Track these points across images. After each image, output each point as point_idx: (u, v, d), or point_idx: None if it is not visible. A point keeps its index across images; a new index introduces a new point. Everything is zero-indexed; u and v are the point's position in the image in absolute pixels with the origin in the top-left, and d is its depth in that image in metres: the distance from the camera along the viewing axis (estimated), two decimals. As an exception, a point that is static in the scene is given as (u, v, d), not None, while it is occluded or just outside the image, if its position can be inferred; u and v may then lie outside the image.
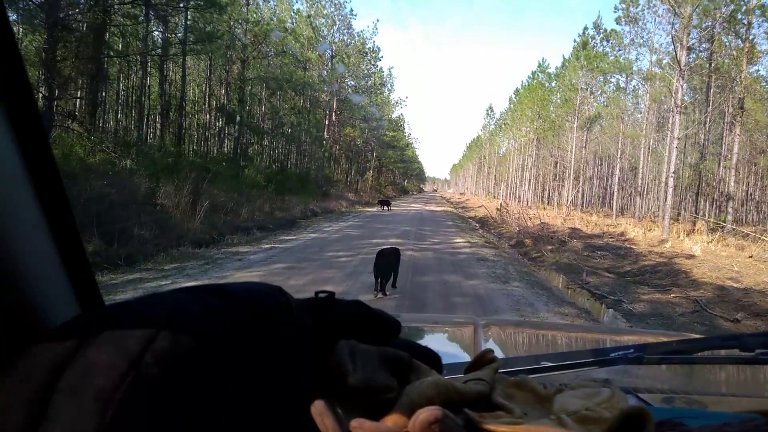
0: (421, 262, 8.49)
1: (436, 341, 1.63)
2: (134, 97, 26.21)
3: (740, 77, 18.36)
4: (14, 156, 0.50)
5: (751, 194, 33.28)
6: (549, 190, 46.06)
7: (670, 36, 17.84)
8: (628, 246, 13.95)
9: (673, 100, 17.93)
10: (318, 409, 0.43)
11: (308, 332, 0.50)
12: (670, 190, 17.29)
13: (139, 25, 14.68)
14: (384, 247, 6.51)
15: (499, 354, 0.83)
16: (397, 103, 45.15)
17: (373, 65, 35.78)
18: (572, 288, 8.63)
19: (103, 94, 22.91)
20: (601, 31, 32.20)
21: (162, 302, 0.44)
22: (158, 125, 24.62)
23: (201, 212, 10.44)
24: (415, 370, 0.55)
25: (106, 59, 15.82)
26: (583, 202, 37.54)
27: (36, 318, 0.52)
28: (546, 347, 1.75)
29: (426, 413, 0.42)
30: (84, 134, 12.62)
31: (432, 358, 0.61)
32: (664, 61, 25.80)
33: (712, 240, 15.85)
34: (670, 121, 24.36)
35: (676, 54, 17.04)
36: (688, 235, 17.99)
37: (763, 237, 16.28)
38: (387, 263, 5.95)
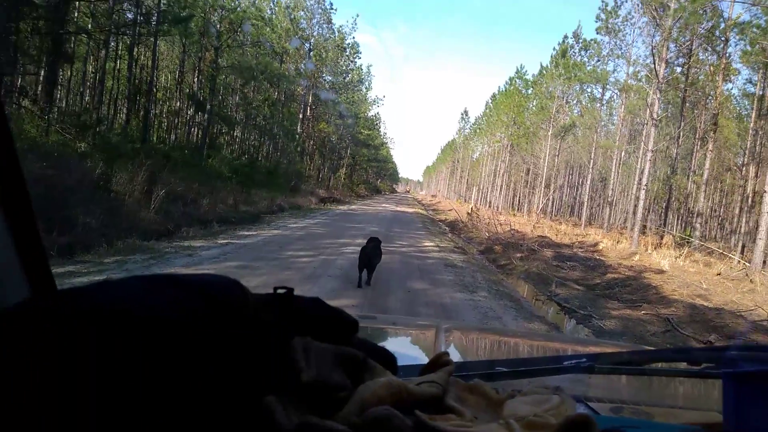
0: (387, 266, 8.05)
1: (396, 343, 1.62)
2: (98, 78, 25.32)
3: (716, 93, 18.47)
4: None
5: (715, 210, 33.87)
6: (520, 197, 46.25)
7: (650, 48, 17.82)
8: (597, 257, 13.80)
9: (648, 112, 17.93)
10: (268, 404, 0.44)
11: (265, 327, 0.50)
12: (641, 203, 17.28)
13: (104, 3, 13.80)
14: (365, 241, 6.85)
15: (457, 358, 0.84)
16: (374, 101, 44.70)
17: (352, 61, 35.23)
18: (541, 300, 8.34)
19: (69, 73, 21.95)
20: (580, 40, 32.36)
21: (114, 290, 0.44)
22: (125, 109, 23.71)
23: (156, 201, 9.78)
24: (370, 370, 0.56)
25: (67, 36, 14.98)
26: (552, 210, 37.71)
27: None
28: (506, 353, 1.74)
29: (375, 412, 0.46)
30: (37, 113, 11.84)
31: (388, 359, 0.63)
32: (641, 74, 26.00)
33: (680, 255, 15.84)
34: (644, 134, 24.53)
35: (654, 67, 17.01)
36: (655, 248, 18.01)
37: (729, 254, 16.39)
38: (370, 256, 6.33)
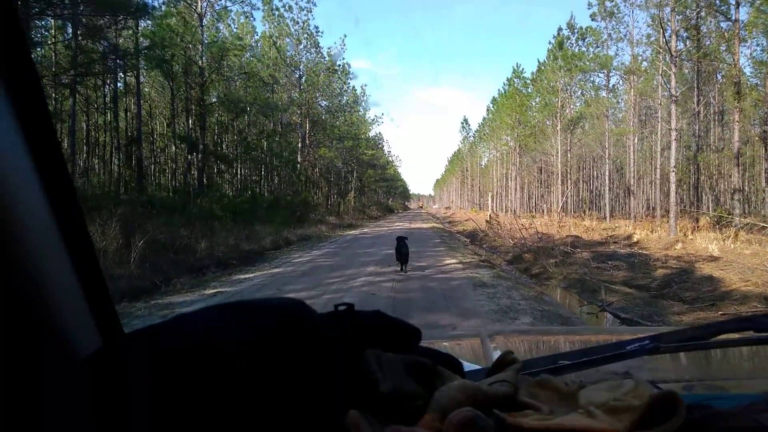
0: (404, 296, 6.77)
1: (452, 352, 1.24)
2: (68, 129, 24.74)
3: (734, 59, 17.06)
4: (36, 187, 0.51)
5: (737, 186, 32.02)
6: (536, 198, 44.74)
7: (658, 23, 16.50)
8: (638, 251, 12.37)
9: (667, 89, 16.55)
10: (352, 419, 0.45)
11: (335, 343, 0.52)
12: (673, 186, 15.85)
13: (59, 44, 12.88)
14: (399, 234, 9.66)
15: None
16: (373, 121, 43.69)
17: (345, 83, 34.31)
18: (594, 313, 6.97)
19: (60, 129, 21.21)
20: (576, 30, 31.18)
21: (190, 324, 0.47)
22: (115, 160, 22.91)
23: (135, 254, 8.62)
24: (440, 376, 0.57)
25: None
26: (572, 207, 36.12)
27: (61, 348, 0.53)
28: (561, 348, 1.67)
29: (459, 415, 0.46)
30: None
31: (454, 364, 0.64)
32: (646, 54, 24.70)
33: (726, 237, 14.34)
34: (660, 114, 22.99)
35: (665, 41, 15.72)
36: (693, 232, 16.51)
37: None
38: (403, 251, 9.09)
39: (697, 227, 17.78)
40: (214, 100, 21.22)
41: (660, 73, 19.42)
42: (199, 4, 20.34)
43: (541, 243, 14.66)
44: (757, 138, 24.62)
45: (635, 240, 15.79)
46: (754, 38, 20.67)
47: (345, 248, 14.47)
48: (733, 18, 17.21)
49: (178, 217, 12.30)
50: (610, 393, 0.55)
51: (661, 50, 18.60)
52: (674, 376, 1.01)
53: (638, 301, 7.52)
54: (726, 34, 17.69)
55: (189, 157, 22.20)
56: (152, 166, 29.19)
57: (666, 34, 15.59)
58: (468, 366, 0.79)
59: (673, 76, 15.74)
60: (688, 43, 19.93)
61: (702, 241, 13.96)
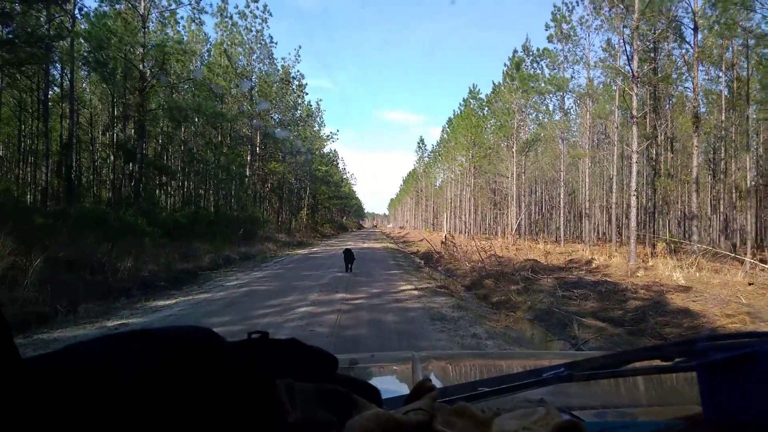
0: (350, 333, 5.64)
1: (374, 377, 1.58)
2: (30, 141, 22.67)
3: (693, 83, 16.94)
4: None
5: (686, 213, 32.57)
6: (489, 220, 44.49)
7: (619, 43, 16.25)
8: (603, 279, 11.64)
9: (629, 110, 16.20)
10: None
11: (242, 372, 0.51)
12: (633, 210, 15.39)
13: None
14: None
15: (438, 384, 0.84)
16: (328, 137, 42.53)
17: (299, 96, 33.11)
18: (568, 353, 6.02)
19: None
20: (531, 53, 31.17)
21: (84, 352, 0.47)
22: (43, 169, 20.87)
23: (32, 275, 7.17)
24: (355, 404, 0.57)
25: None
26: (525, 229, 35.89)
27: None
28: (485, 374, 1.67)
29: None
30: None
31: (371, 392, 0.64)
32: (601, 78, 24.73)
33: (688, 264, 13.88)
34: (615, 137, 23.04)
35: (628, 60, 15.40)
36: (650, 258, 16.11)
37: (739, 257, 14.57)
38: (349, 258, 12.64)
39: (654, 253, 17.42)
40: (151, 107, 19.53)
41: (618, 94, 19.24)
42: (142, 4, 18.89)
43: (500, 267, 13.83)
44: (711, 164, 24.89)
45: (595, 265, 15.19)
46: (704, 65, 20.89)
47: (290, 269, 13.19)
48: (692, 43, 17.17)
49: (98, 232, 10.71)
50: (521, 421, 0.55)
51: (620, 72, 18.41)
52: (589, 402, 1.03)
53: (615, 338, 6.64)
54: (685, 57, 17.60)
55: (125, 167, 20.49)
56: (91, 177, 27.13)
57: (628, 53, 15.25)
58: (389, 393, 0.78)
59: (634, 96, 15.38)
60: (645, 66, 19.91)
61: (664, 269, 13.43)
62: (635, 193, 15.38)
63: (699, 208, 26.92)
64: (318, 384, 0.55)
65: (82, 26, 17.78)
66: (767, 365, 0.61)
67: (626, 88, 16.76)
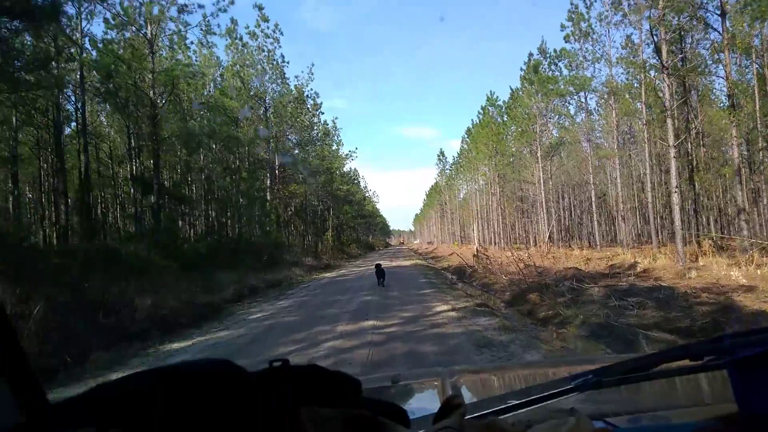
0: (386, 369, 4.86)
1: (404, 396, 1.54)
2: (52, 179, 22.63)
3: (726, 71, 15.89)
4: None
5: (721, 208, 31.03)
6: (518, 229, 43.29)
7: (641, 36, 15.35)
8: (657, 284, 10.62)
9: (663, 102, 15.18)
10: None
11: (263, 401, 0.51)
12: (677, 208, 14.30)
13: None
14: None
15: (468, 399, 0.83)
16: (347, 155, 42.01)
17: (315, 115, 32.68)
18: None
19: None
20: (548, 55, 30.23)
21: (107, 392, 0.48)
22: (62, 207, 20.65)
23: (32, 323, 6.58)
24: (381, 427, 0.56)
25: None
26: (558, 236, 34.65)
27: None
28: (515, 386, 1.66)
29: None
30: None
31: (398, 414, 0.64)
32: (622, 77, 23.69)
33: (744, 262, 12.78)
34: (645, 135, 21.93)
35: (657, 51, 14.48)
36: (698, 258, 14.97)
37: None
38: (381, 274, 14.14)
39: (702, 252, 16.23)
40: (165, 135, 19.19)
41: (644, 90, 18.24)
42: (149, 28, 18.64)
43: (539, 278, 12.90)
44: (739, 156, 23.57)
45: (641, 269, 14.16)
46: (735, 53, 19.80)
47: (316, 295, 12.47)
48: (721, 29, 16.17)
49: (111, 270, 10.16)
50: None
51: (643, 66, 17.47)
52: (622, 408, 1.01)
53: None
54: (715, 44, 16.57)
55: (143, 199, 20.17)
56: (114, 212, 27.03)
57: (656, 41, 14.33)
58: (421, 411, 0.80)
59: (666, 88, 14.42)
60: (672, 59, 18.94)
61: (718, 268, 12.37)
62: (677, 190, 14.32)
63: (726, 203, 25.60)
64: (343, 409, 0.53)
65: (93, 54, 17.63)
66: None
67: (657, 80, 15.80)
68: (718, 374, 1.05)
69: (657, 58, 15.17)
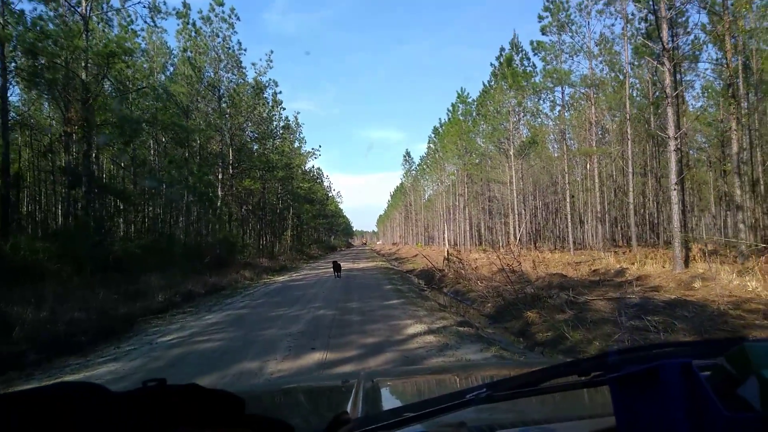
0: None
1: (312, 404, 1.54)
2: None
3: (726, 58, 14.45)
4: None
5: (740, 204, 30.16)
6: (483, 229, 41.78)
7: (649, 13, 13.74)
8: (682, 299, 8.84)
9: (663, 88, 13.62)
10: None
11: (133, 423, 0.49)
12: (676, 207, 12.72)
13: None
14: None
15: (390, 404, 0.84)
16: (309, 153, 39.66)
17: (274, 107, 30.28)
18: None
19: None
20: (520, 50, 28.74)
21: None
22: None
23: None
24: None
25: None
26: (527, 238, 33.21)
27: None
28: (418, 394, 1.69)
29: None
30: None
31: (283, 430, 0.62)
32: (601, 71, 22.33)
33: (752, 268, 11.26)
34: (628, 130, 20.55)
35: (658, 31, 12.87)
36: (690, 263, 13.45)
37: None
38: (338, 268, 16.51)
39: (692, 257, 14.74)
40: (98, 121, 16.60)
41: (627, 85, 16.71)
42: (84, 5, 16.09)
43: (522, 285, 11.06)
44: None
45: (632, 276, 12.52)
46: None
47: (257, 306, 10.23)
48: (721, 12, 14.76)
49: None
50: None
51: (641, 51, 15.92)
52: (513, 420, 1.04)
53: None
54: (717, 28, 15.12)
55: (72, 192, 17.53)
56: (50, 209, 24.07)
57: (660, 26, 12.71)
58: (317, 424, 0.79)
59: (667, 73, 12.84)
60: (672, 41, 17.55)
61: (727, 277, 10.79)
62: (676, 186, 12.72)
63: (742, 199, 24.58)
64: (224, 429, 0.51)
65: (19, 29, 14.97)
66: (667, 378, 0.60)
67: (657, 65, 14.20)
68: (603, 390, 0.97)
69: (652, 40, 13.63)
